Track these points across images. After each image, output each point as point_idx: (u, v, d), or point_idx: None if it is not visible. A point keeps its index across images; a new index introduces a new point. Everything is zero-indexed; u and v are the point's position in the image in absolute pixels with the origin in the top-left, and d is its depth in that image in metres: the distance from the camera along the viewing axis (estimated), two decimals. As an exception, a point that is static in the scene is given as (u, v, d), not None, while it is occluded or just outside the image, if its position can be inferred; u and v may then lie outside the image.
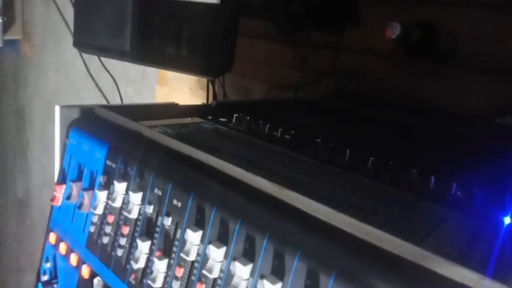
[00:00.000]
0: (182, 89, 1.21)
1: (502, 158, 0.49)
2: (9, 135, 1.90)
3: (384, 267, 0.26)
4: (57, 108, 0.50)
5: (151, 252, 0.37)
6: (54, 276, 0.47)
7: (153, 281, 0.36)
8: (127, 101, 1.31)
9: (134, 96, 1.50)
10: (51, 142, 0.51)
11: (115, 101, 1.23)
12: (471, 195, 0.42)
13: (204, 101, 0.88)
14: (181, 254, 0.34)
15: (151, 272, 0.36)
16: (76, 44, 0.78)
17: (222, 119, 0.62)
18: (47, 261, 0.49)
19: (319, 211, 0.30)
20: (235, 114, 0.61)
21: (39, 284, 0.47)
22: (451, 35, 0.75)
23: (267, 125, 0.57)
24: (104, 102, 1.12)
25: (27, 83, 1.81)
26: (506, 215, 0.37)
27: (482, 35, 0.72)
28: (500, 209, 0.38)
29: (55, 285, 0.47)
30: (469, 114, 0.73)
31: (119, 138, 0.44)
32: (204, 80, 1.03)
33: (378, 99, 0.83)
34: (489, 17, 0.71)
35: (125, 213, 0.39)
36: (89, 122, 0.49)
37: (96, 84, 1.19)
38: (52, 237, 0.48)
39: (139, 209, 0.39)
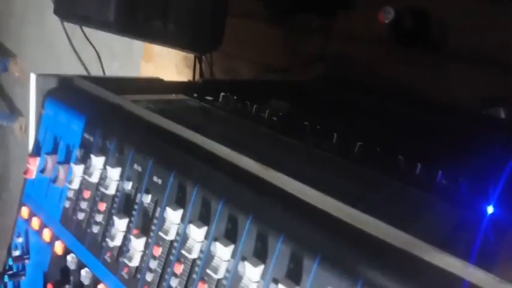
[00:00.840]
0: (168, 66, 1.18)
1: (486, 148, 0.49)
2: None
3: (369, 252, 0.25)
4: (33, 77, 0.47)
5: (128, 230, 0.36)
6: (25, 251, 0.46)
7: (130, 259, 0.34)
8: (113, 74, 1.27)
9: (119, 71, 1.45)
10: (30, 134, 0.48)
11: (101, 72, 1.19)
12: (456, 184, 0.41)
13: (190, 79, 0.86)
14: (160, 233, 0.32)
15: (128, 251, 0.35)
16: (57, 12, 0.74)
17: (208, 98, 0.60)
18: (18, 236, 0.47)
19: (305, 193, 0.29)
20: (222, 93, 0.59)
21: (10, 259, 0.45)
22: (443, 24, 0.74)
23: (254, 106, 0.55)
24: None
25: (7, 54, 1.73)
26: (489, 204, 0.37)
27: (473, 26, 0.71)
28: (484, 198, 0.38)
29: (26, 261, 0.45)
30: (456, 104, 0.72)
31: (98, 110, 0.42)
32: (191, 58, 1.00)
33: (366, 85, 0.82)
34: (481, 7, 0.71)
35: (102, 189, 0.37)
36: (67, 92, 0.46)
37: (79, 57, 1.14)
38: (24, 212, 0.46)
39: (117, 185, 0.37)
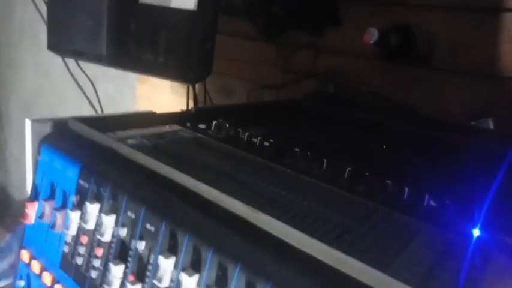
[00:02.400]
0: (163, 86, 1.19)
1: (477, 163, 0.50)
2: (-14, 134, 1.85)
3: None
4: (28, 123, 0.49)
5: (124, 276, 0.37)
6: (28, 295, 0.47)
7: (127, 305, 0.35)
8: (107, 99, 1.28)
9: (115, 94, 1.47)
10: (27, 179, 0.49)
11: (96, 97, 1.20)
12: (443, 207, 0.42)
13: (185, 100, 0.87)
14: (154, 281, 0.34)
15: (125, 296, 0.36)
16: (51, 47, 0.76)
17: (201, 126, 0.62)
18: (20, 279, 0.48)
19: (291, 237, 0.30)
20: (214, 122, 0.61)
21: (13, 304, 0.46)
22: (429, 38, 0.76)
23: (246, 133, 0.56)
24: (85, 101, 1.09)
25: (5, 82, 1.76)
26: (475, 227, 0.38)
27: (459, 39, 0.73)
28: (471, 221, 0.39)
29: (29, 306, 0.46)
30: (445, 117, 0.74)
31: (92, 156, 0.43)
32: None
33: (356, 101, 0.83)
34: (466, 20, 0.72)
35: (98, 236, 0.39)
36: (61, 137, 0.47)
37: (77, 83, 1.16)
38: (25, 256, 0.47)
39: (113, 232, 0.38)
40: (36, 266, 0.46)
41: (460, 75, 0.74)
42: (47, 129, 0.49)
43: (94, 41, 0.72)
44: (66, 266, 0.43)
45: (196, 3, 0.59)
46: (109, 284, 0.37)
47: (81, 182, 0.42)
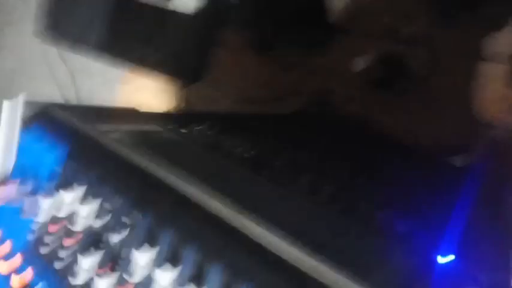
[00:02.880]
0: (146, 90, 1.18)
1: (444, 196, 0.53)
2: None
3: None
4: (5, 104, 0.47)
5: (93, 268, 0.36)
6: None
7: (92, 299, 0.34)
8: (87, 94, 1.25)
9: (94, 90, 1.44)
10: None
11: (73, 91, 1.16)
12: (412, 233, 0.44)
13: (168, 104, 0.87)
14: (125, 275, 0.33)
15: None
16: (41, 35, 0.75)
17: (182, 130, 0.61)
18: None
19: (270, 243, 0.31)
20: (196, 127, 0.60)
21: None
22: (414, 71, 0.80)
23: (227, 143, 0.57)
24: (60, 94, 1.06)
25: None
26: (439, 254, 0.40)
27: (445, 76, 0.77)
28: (437, 247, 0.40)
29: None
30: (420, 150, 0.77)
31: (72, 143, 0.42)
32: (169, 86, 1.01)
33: (340, 122, 0.86)
34: (452, 63, 0.76)
35: (69, 225, 0.37)
36: (41, 121, 0.46)
37: (53, 75, 1.13)
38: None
39: (86, 222, 0.37)
40: (2, 248, 0.43)
41: (440, 112, 0.78)
42: (26, 112, 0.48)
43: (86, 32, 0.71)
44: (30, 253, 0.41)
45: (195, 7, 0.60)
46: (76, 276, 0.36)
47: (57, 168, 0.41)
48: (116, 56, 0.69)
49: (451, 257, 0.39)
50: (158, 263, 0.32)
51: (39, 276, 0.39)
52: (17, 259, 0.42)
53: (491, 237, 0.46)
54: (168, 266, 0.31)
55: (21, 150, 0.45)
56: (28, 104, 0.48)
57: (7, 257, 0.43)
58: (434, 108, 0.78)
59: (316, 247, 0.36)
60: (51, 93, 1.13)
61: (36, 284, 0.39)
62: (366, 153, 0.71)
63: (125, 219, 0.35)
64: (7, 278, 0.42)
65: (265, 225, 0.31)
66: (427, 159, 0.74)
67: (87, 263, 0.36)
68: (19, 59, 1.52)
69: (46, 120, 0.46)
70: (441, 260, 0.40)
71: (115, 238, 0.35)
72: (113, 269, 0.35)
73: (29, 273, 0.40)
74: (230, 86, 1.02)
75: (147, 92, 1.16)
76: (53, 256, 0.39)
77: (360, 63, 0.69)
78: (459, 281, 0.38)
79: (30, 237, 0.41)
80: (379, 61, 0.77)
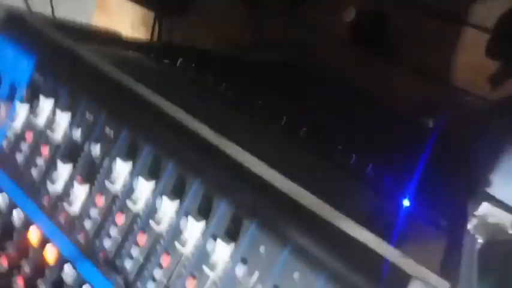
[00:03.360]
0: (123, 21, 1.12)
1: (415, 151, 0.55)
2: None
3: (299, 221, 0.28)
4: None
5: (71, 176, 0.36)
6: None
7: (70, 205, 0.34)
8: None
9: (66, 16, 1.35)
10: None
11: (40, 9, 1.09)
12: (381, 178, 0.47)
13: (146, 36, 0.83)
14: (106, 182, 0.33)
15: (68, 197, 0.35)
16: None
17: (165, 61, 0.60)
18: None
19: (249, 162, 0.31)
20: (180, 59, 0.59)
21: None
22: (398, 31, 0.80)
23: (210, 78, 0.56)
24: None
25: None
26: (405, 197, 0.43)
27: (426, 37, 0.78)
28: (402, 193, 0.43)
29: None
30: (395, 108, 0.79)
31: (53, 51, 0.40)
32: (149, 17, 0.97)
33: (320, 75, 0.86)
34: (438, 24, 0.77)
35: (48, 132, 0.37)
36: (17, 27, 0.43)
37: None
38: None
39: (65, 131, 0.37)
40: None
41: (417, 73, 0.79)
42: (1, 17, 0.45)
43: None
44: (2, 160, 0.40)
45: None
46: (53, 182, 0.35)
47: (35, 74, 0.39)
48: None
49: (415, 202, 0.42)
50: (138, 173, 0.32)
51: (13, 181, 0.39)
52: (-10, 164, 0.41)
53: (453, 188, 0.50)
54: (148, 176, 0.32)
55: (-4, 54, 0.42)
56: (2, 7, 0.45)
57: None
58: (412, 69, 0.79)
59: (289, 171, 0.37)
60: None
61: (10, 188, 0.39)
62: (344, 105, 0.72)
63: (106, 130, 0.35)
64: (-22, 182, 0.41)
65: (242, 144, 0.32)
66: (401, 116, 0.76)
67: (67, 170, 0.35)
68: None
69: (22, 26, 0.44)
70: (406, 203, 0.42)
71: (96, 148, 0.35)
72: (92, 178, 0.35)
73: (1, 177, 0.39)
74: (212, 27, 0.99)
75: (123, 25, 1.11)
76: (29, 162, 0.38)
77: (352, 13, 0.69)
78: (421, 222, 0.41)
79: (5, 143, 0.40)
80: (366, 16, 0.76)
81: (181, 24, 0.97)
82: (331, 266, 0.26)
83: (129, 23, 1.11)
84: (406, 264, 0.28)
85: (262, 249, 0.28)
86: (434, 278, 0.26)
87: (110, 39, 0.57)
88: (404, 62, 0.80)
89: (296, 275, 0.26)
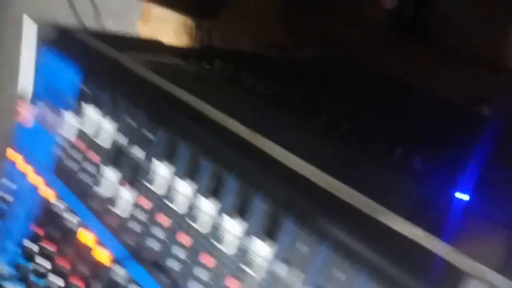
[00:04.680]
0: (166, 30, 1.16)
1: (466, 140, 0.52)
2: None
3: (338, 215, 0.27)
4: (31, 24, 0.47)
5: (118, 181, 0.37)
6: (14, 194, 0.47)
7: (118, 208, 0.36)
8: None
9: (114, 29, 1.42)
10: (19, 64, 0.48)
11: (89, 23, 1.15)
12: (430, 171, 0.44)
13: (187, 42, 0.86)
14: (150, 186, 0.34)
15: (117, 201, 0.37)
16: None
17: (204, 65, 0.61)
18: (7, 178, 0.48)
19: (286, 157, 0.31)
20: (218, 61, 0.60)
21: (-2, 201, 0.46)
22: (445, 18, 0.76)
23: (249, 78, 0.56)
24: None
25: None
26: (457, 190, 0.40)
27: (474, 24, 0.73)
28: (454, 185, 0.40)
29: (13, 204, 0.46)
30: (442, 97, 0.75)
31: (96, 63, 0.43)
32: (190, 25, 1.00)
33: (359, 68, 0.83)
34: (484, 7, 0.72)
35: (95, 139, 0.39)
36: (66, 43, 0.46)
37: (75, 11, 1.12)
38: (13, 155, 0.47)
39: (111, 137, 0.38)
40: (25, 167, 0.46)
41: (467, 61, 0.75)
42: (50, 33, 0.48)
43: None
44: (56, 168, 0.43)
45: None
46: (102, 187, 0.37)
47: (82, 86, 0.41)
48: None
49: (469, 196, 0.40)
50: (179, 174, 0.33)
51: (68, 188, 0.41)
52: (46, 172, 0.44)
53: (510, 183, 0.46)
54: (187, 178, 0.32)
55: (47, 70, 0.45)
56: (53, 26, 0.48)
57: (37, 169, 0.45)
58: (461, 56, 0.74)
59: (334, 169, 0.36)
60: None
61: (65, 194, 0.41)
62: (388, 97, 0.70)
63: (147, 134, 0.36)
64: (38, 189, 0.44)
65: (280, 141, 0.32)
66: (450, 105, 0.72)
67: (113, 174, 0.37)
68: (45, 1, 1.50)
69: (71, 41, 0.47)
70: (459, 196, 0.40)
71: (139, 152, 0.36)
72: (138, 181, 0.36)
73: (57, 185, 0.42)
74: (249, 28, 0.99)
75: (166, 34, 1.14)
76: (81, 169, 0.40)
77: (394, 0, 0.66)
78: (476, 216, 0.38)
79: (58, 151, 0.43)
80: (408, 2, 0.73)
81: (220, 29, 0.99)
82: (376, 264, 0.25)
83: (171, 31, 1.15)
84: (460, 260, 0.26)
85: (303, 247, 0.27)
86: (492, 275, 0.24)
87: (150, 47, 0.59)
88: (452, 49, 0.75)
89: (339, 274, 0.26)
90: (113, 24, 1.42)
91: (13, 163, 0.47)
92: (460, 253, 0.26)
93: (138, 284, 0.34)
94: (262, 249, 0.28)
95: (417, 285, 0.24)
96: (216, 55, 0.62)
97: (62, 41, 0.47)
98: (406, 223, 0.27)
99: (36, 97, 0.46)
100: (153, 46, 0.62)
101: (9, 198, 0.46)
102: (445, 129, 0.59)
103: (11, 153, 0.47)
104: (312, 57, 0.87)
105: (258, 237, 0.28)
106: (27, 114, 0.46)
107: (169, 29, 1.15)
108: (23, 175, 0.46)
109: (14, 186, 0.47)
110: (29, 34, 0.48)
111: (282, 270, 0.27)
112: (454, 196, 0.39)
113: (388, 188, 0.37)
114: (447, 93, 0.75)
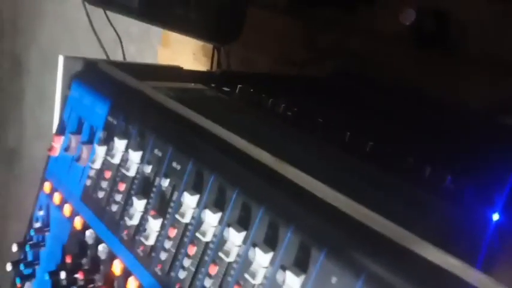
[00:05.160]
0: (186, 53, 1.19)
1: (497, 155, 0.50)
2: (3, 82, 1.87)
3: (372, 247, 0.27)
4: (60, 58, 0.49)
5: (146, 210, 0.38)
6: (46, 224, 0.48)
7: (146, 238, 0.36)
8: (129, 59, 1.28)
9: (136, 55, 1.47)
10: (47, 93, 0.50)
11: (116, 58, 1.20)
12: (464, 189, 0.43)
13: (207, 68, 0.87)
14: (176, 216, 0.34)
15: (145, 230, 0.37)
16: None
17: (225, 88, 0.62)
18: (40, 209, 0.49)
19: (315, 188, 0.31)
20: (239, 85, 0.60)
21: (31, 230, 0.48)
22: (464, 27, 0.74)
23: (270, 100, 0.56)
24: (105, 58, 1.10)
25: (26, 30, 1.76)
26: (495, 211, 0.38)
27: (496, 31, 0.71)
28: (491, 205, 0.39)
29: (46, 233, 0.48)
30: (470, 109, 0.73)
31: (123, 95, 0.44)
32: (209, 47, 1.02)
33: (382, 84, 0.83)
34: (504, 12, 0.70)
35: (123, 171, 0.40)
36: (92, 75, 0.48)
37: (99, 39, 1.16)
38: (47, 187, 0.49)
39: (137, 168, 0.39)
40: (56, 197, 0.47)
41: (490, 70, 0.73)
42: (77, 66, 0.50)
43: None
44: (86, 198, 0.44)
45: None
46: (130, 217, 0.38)
47: (109, 118, 0.43)
48: (154, 17, 0.69)
49: (507, 217, 0.38)
50: (206, 205, 0.33)
51: (97, 217, 0.42)
52: (77, 202, 0.45)
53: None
54: (214, 208, 0.33)
55: (76, 103, 0.47)
56: (80, 59, 0.50)
57: (68, 200, 0.46)
58: (485, 67, 0.73)
59: (360, 194, 0.35)
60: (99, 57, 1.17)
61: (95, 224, 0.42)
62: (411, 114, 0.68)
63: (174, 164, 0.37)
64: (70, 219, 0.45)
65: (306, 169, 0.31)
66: (478, 119, 0.70)
67: (141, 205, 0.38)
68: (64, 26, 1.57)
69: (97, 74, 0.48)
70: (495, 218, 0.38)
71: (165, 182, 0.37)
72: (164, 211, 0.36)
73: (88, 215, 0.43)
74: (267, 48, 1.00)
75: (186, 56, 1.17)
76: (109, 199, 0.41)
77: (411, 15, 0.65)
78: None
79: (88, 182, 0.44)
80: (432, 15, 0.72)
81: (239, 51, 1.00)
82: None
83: (191, 54, 1.18)
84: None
85: (334, 280, 0.26)
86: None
87: (171, 75, 0.60)
88: (474, 60, 0.74)
89: (373, 307, 0.25)
90: (134, 49, 1.47)
91: (46, 194, 0.49)
92: (497, 283, 0.25)
93: (167, 315, 0.34)
94: (293, 283, 0.27)
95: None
96: (235, 78, 0.63)
97: (88, 74, 0.48)
98: (440, 252, 0.26)
99: (65, 128, 0.48)
100: (174, 73, 0.63)
101: (46, 229, 0.48)
102: (474, 143, 0.57)
103: (46, 186, 0.49)
104: (334, 75, 0.87)
105: (289, 271, 0.27)
106: (57, 145, 0.47)
107: (189, 51, 1.17)
108: (55, 206, 0.47)
109: (47, 217, 0.48)
110: (60, 69, 0.50)
111: (313, 302, 0.27)
112: (489, 217, 0.38)
113: (420, 213, 0.36)
114: (472, 105, 0.73)
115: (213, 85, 0.61)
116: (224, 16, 0.66)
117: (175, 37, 1.19)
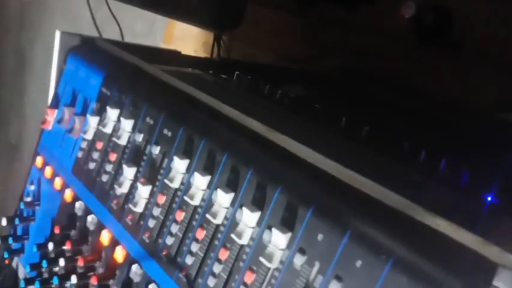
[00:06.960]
0: (187, 50, 1.19)
1: (492, 147, 0.50)
2: (7, 77, 1.88)
3: (357, 206, 0.26)
4: (57, 34, 0.49)
5: (136, 178, 0.37)
6: (37, 198, 0.48)
7: (135, 206, 0.36)
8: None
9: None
10: (50, 89, 0.50)
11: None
12: (458, 173, 0.42)
13: (207, 55, 0.87)
14: (166, 181, 0.34)
15: (134, 198, 0.37)
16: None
17: (223, 76, 0.62)
18: (31, 183, 0.49)
19: (304, 152, 0.30)
20: (237, 72, 0.60)
21: (21, 204, 0.47)
22: (466, 23, 0.74)
23: (267, 86, 0.56)
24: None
25: (31, 25, 1.77)
26: (489, 194, 0.38)
27: (497, 27, 0.71)
28: (484, 188, 0.38)
29: (37, 207, 0.47)
30: (470, 106, 0.72)
31: (117, 68, 0.44)
32: (210, 44, 1.02)
33: (382, 80, 0.82)
34: (506, 8, 0.70)
35: (115, 139, 0.39)
36: (88, 50, 0.48)
37: (100, 35, 1.17)
38: (39, 161, 0.48)
39: (129, 137, 0.39)
40: (48, 171, 0.47)
41: (493, 66, 0.72)
42: (75, 42, 0.50)
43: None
44: (77, 170, 0.43)
45: None
46: (119, 185, 0.37)
47: (103, 89, 0.42)
48: (156, 4, 0.69)
49: (499, 199, 0.37)
50: (195, 168, 0.33)
51: (87, 189, 0.42)
52: (68, 174, 0.44)
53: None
54: (204, 172, 0.32)
55: (70, 76, 0.47)
56: (77, 35, 0.50)
57: (59, 173, 0.46)
58: (483, 62, 0.72)
59: (347, 159, 0.35)
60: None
61: (85, 195, 0.42)
62: (410, 108, 0.68)
63: (165, 131, 0.36)
64: (60, 192, 0.45)
65: (295, 136, 0.31)
66: (478, 115, 0.69)
67: (131, 173, 0.37)
68: (71, 21, 1.58)
69: (93, 49, 0.48)
70: (491, 200, 0.38)
71: (156, 150, 0.36)
72: (154, 178, 0.36)
73: (78, 187, 0.43)
74: (268, 44, 1.01)
75: (188, 51, 1.17)
76: (100, 170, 0.41)
77: (412, 8, 0.65)
78: (506, 213, 0.36)
79: (80, 154, 0.43)
80: (432, 8, 0.72)
81: (239, 47, 1.00)
82: (405, 256, 0.24)
83: (192, 51, 1.18)
84: (491, 251, 0.24)
85: (320, 237, 0.26)
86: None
87: (169, 59, 0.60)
88: (474, 56, 0.73)
89: (358, 263, 0.24)
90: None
91: (38, 169, 0.48)
92: (491, 244, 0.25)
93: (155, 282, 0.34)
94: (279, 241, 0.27)
95: (449, 277, 0.23)
96: (234, 67, 0.63)
97: (84, 49, 0.48)
98: (436, 217, 0.25)
99: (59, 101, 0.48)
100: (172, 57, 0.63)
101: (36, 203, 0.47)
102: (471, 137, 0.56)
103: (38, 161, 0.48)
104: (332, 69, 0.87)
105: (275, 229, 0.27)
106: (51, 118, 0.47)
107: (190, 48, 1.18)
108: (47, 179, 0.47)
109: (38, 191, 0.48)
110: (57, 44, 0.50)
111: (299, 261, 0.26)
112: (485, 198, 0.37)
113: (413, 185, 0.35)
114: (470, 100, 0.73)
115: (210, 71, 0.61)
116: (225, 3, 0.66)
117: (177, 34, 1.20)
